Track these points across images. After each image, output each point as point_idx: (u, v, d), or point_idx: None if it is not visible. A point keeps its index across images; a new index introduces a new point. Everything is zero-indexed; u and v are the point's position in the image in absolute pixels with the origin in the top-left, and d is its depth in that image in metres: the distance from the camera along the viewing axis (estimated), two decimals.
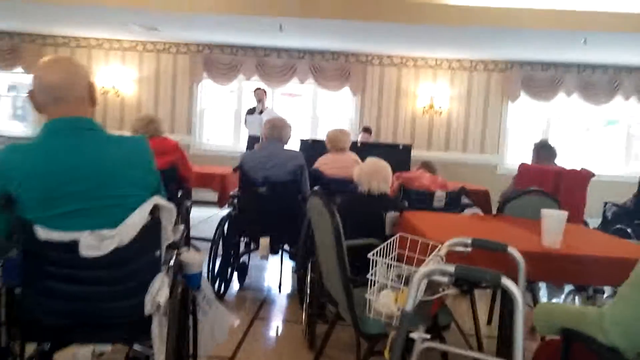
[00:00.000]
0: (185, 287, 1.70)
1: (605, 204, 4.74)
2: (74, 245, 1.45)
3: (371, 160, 2.96)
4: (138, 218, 1.52)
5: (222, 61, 7.65)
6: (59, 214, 1.47)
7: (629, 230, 3.98)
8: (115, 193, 1.52)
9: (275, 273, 4.12)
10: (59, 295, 1.50)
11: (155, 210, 1.57)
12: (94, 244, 1.46)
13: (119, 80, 7.77)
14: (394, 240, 1.95)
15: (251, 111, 7.12)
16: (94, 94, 1.62)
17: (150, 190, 1.62)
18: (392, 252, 1.89)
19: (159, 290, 1.54)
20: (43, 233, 1.45)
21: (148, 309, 1.53)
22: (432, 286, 1.62)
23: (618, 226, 4.12)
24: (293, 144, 3.86)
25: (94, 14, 6.17)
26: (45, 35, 7.77)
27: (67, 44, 7.80)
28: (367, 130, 7.19)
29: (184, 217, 3.92)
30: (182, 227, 2.01)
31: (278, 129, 3.63)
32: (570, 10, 5.31)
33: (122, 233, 1.49)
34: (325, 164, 4.02)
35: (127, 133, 1.97)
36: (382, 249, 1.82)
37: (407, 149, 5.11)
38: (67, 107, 1.54)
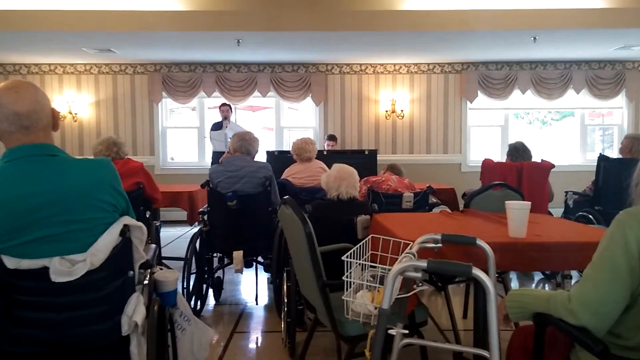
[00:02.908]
0: (161, 305, 1.68)
1: (566, 192, 4.93)
2: (44, 272, 1.42)
3: (337, 167, 3.00)
4: (108, 239, 1.51)
5: (181, 79, 7.59)
6: (27, 241, 1.43)
7: (590, 216, 4.14)
8: (83, 217, 1.49)
9: (251, 285, 4.10)
10: (32, 324, 1.46)
11: (125, 231, 1.56)
12: (65, 269, 1.43)
13: (76, 105, 7.60)
14: (366, 242, 1.98)
15: (216, 127, 7.08)
16: (57, 120, 1.60)
17: (118, 212, 1.61)
18: (365, 254, 1.92)
19: (135, 310, 1.52)
20: (11, 262, 1.42)
21: (125, 329, 1.51)
22: (406, 283, 1.65)
23: (580, 213, 4.29)
24: (259, 156, 3.86)
25: (44, 40, 6.04)
26: None
27: (18, 71, 7.59)
28: (332, 138, 7.26)
29: (153, 237, 3.86)
30: (154, 246, 1.99)
31: (246, 143, 3.63)
32: (519, 10, 5.53)
33: (93, 256, 1.47)
34: (293, 174, 4.05)
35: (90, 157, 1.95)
36: (355, 251, 1.85)
37: (373, 153, 5.19)
38: (35, 135, 1.50)
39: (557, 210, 4.59)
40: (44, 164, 1.50)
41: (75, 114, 7.60)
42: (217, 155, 6.75)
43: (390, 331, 1.51)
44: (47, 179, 1.47)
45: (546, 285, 4.32)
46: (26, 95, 1.50)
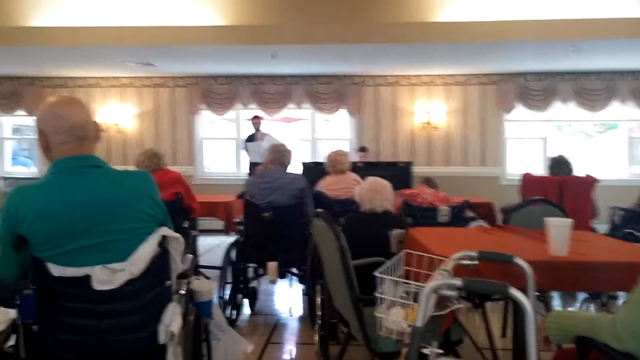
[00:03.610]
0: (197, 315, 1.71)
1: (612, 208, 4.73)
2: (86, 280, 1.48)
3: (370, 180, 2.98)
4: (147, 249, 1.55)
5: (218, 91, 7.76)
6: (71, 250, 1.49)
7: (638, 234, 3.96)
8: (123, 227, 1.54)
9: (286, 297, 4.11)
10: (74, 330, 1.51)
11: (163, 241, 1.60)
12: (106, 278, 1.48)
13: (119, 117, 7.88)
14: (400, 258, 1.96)
15: (250, 138, 7.20)
16: (99, 132, 1.69)
17: (156, 222, 1.65)
18: (399, 270, 1.90)
19: (172, 320, 1.55)
20: (56, 270, 1.48)
21: (162, 338, 1.54)
22: (441, 301, 1.62)
23: (627, 230, 4.11)
24: (295, 168, 3.90)
25: (89, 55, 6.30)
26: (43, 78, 7.91)
27: (65, 84, 7.93)
28: (363, 149, 7.26)
29: (191, 247, 3.93)
30: (191, 256, 2.03)
31: (281, 154, 3.67)
32: (559, 20, 5.40)
33: (133, 265, 1.51)
34: (327, 186, 4.05)
35: (131, 168, 2.01)
36: (389, 267, 1.83)
37: (408, 166, 5.15)
38: (87, 146, 1.60)
39: (602, 227, 4.42)
40: (88, 176, 1.56)
41: (119, 125, 7.87)
42: (253, 166, 6.85)
43: (424, 350, 1.48)
44: (91, 190, 1.53)
45: (591, 305, 4.14)
46: (80, 108, 1.61)
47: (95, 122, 1.66)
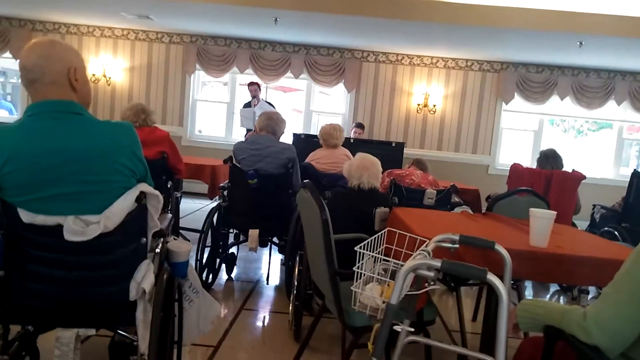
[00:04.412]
0: (171, 275, 1.69)
1: (594, 206, 4.78)
2: (58, 229, 1.44)
3: (360, 156, 2.95)
4: (124, 204, 1.51)
5: (215, 53, 7.60)
6: (43, 197, 1.45)
7: (616, 232, 4.01)
8: (100, 178, 1.50)
9: (264, 265, 4.12)
10: (43, 279, 1.48)
11: (141, 197, 1.56)
12: (78, 229, 1.44)
13: (110, 69, 7.70)
14: (382, 235, 1.95)
15: (247, 106, 7.08)
16: (73, 81, 1.54)
17: (136, 177, 1.61)
18: (379, 246, 1.89)
19: (144, 277, 1.53)
20: (27, 216, 1.44)
21: (132, 294, 1.52)
22: (418, 281, 1.62)
23: (606, 228, 4.16)
24: (286, 138, 3.85)
25: (85, 0, 6.10)
26: (34, 21, 7.67)
27: (57, 29, 7.71)
28: (359, 126, 7.18)
29: (173, 207, 3.90)
30: (169, 215, 2.00)
31: (273, 122, 3.61)
32: (566, 12, 5.32)
33: (108, 219, 1.48)
34: (317, 159, 4.02)
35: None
36: (369, 243, 1.82)
37: (400, 146, 5.11)
38: (45, 89, 1.51)
39: (582, 223, 4.46)
40: (66, 122, 1.50)
41: (109, 77, 7.70)
42: (248, 133, 6.76)
43: (395, 327, 1.48)
44: (69, 136, 1.48)
45: (561, 297, 4.22)
46: (37, 50, 1.51)
47: (71, 69, 1.54)
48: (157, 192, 1.60)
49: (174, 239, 1.85)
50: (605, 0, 5.25)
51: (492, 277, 1.37)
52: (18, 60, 1.55)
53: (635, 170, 4.26)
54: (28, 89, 1.54)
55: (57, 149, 1.45)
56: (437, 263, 1.42)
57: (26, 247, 1.46)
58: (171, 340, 1.77)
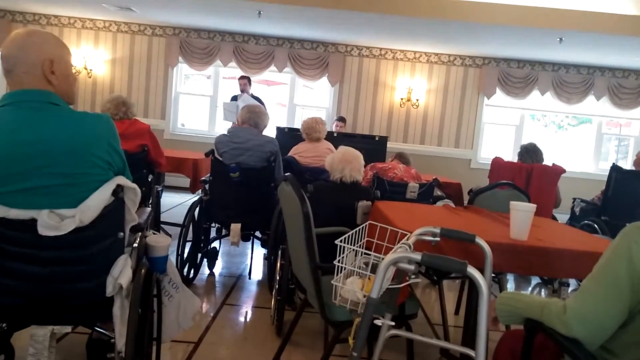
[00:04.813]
0: (149, 270, 1.66)
1: (574, 199, 4.85)
2: (32, 224, 1.40)
3: (343, 149, 2.94)
4: (100, 198, 1.48)
5: (198, 45, 7.51)
6: (17, 190, 1.41)
7: (595, 225, 4.07)
8: (76, 171, 1.46)
9: (246, 259, 4.10)
10: (16, 275, 1.44)
11: (118, 191, 1.52)
12: (53, 223, 1.41)
13: (91, 61, 7.56)
14: (363, 228, 1.94)
15: (234, 99, 6.99)
16: (47, 74, 1.49)
17: (113, 170, 1.57)
18: (361, 240, 1.88)
19: (121, 272, 1.50)
20: (0, 210, 1.39)
21: (109, 290, 1.49)
22: (399, 275, 1.62)
23: (585, 221, 4.22)
24: (269, 132, 3.82)
25: None
26: (14, 11, 7.50)
27: (37, 20, 7.55)
28: (341, 119, 7.18)
29: (154, 201, 3.85)
30: (148, 209, 1.97)
31: (255, 115, 3.58)
32: (547, 8, 5.38)
33: (83, 213, 1.44)
34: (300, 153, 4.00)
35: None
36: (350, 236, 1.81)
37: (383, 140, 5.11)
38: (19, 79, 1.48)
39: (562, 216, 4.52)
40: (42, 112, 1.46)
41: (91, 70, 7.57)
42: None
43: (376, 321, 1.47)
44: (45, 127, 1.43)
45: (542, 290, 4.28)
46: (16, 40, 1.49)
47: (47, 60, 1.49)
48: (134, 185, 1.57)
49: (154, 234, 1.81)
50: None
51: (472, 270, 1.37)
52: None
53: (614, 164, 4.32)
54: (6, 78, 1.51)
55: (32, 141, 1.41)
56: (418, 256, 1.41)
57: None
58: (150, 336, 1.74)
